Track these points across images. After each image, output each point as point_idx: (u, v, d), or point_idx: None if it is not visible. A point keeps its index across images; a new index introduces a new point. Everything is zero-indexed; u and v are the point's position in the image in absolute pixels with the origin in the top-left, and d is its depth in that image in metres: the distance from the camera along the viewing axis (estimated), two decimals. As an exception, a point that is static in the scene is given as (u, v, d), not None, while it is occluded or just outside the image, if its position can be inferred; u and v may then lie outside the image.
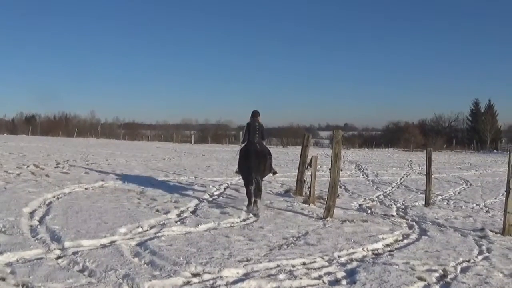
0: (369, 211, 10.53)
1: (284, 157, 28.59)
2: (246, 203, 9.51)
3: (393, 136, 75.68)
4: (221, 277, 5.14)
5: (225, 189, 12.24)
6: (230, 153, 29.98)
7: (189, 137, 68.64)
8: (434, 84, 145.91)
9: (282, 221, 8.52)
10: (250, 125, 10.04)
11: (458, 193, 15.37)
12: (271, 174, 10.65)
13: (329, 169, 9.64)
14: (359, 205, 11.43)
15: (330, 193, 9.18)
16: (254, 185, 9.34)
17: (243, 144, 10.01)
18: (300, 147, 12.31)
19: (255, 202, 9.31)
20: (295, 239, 7.15)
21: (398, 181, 17.88)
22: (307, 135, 12.19)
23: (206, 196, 10.88)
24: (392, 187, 15.67)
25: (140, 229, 7.13)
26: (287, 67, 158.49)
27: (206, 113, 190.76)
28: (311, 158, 11.07)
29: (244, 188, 9.84)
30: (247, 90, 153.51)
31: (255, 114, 10.15)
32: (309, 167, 11.26)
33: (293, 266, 5.72)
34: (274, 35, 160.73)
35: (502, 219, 9.15)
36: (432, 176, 13.17)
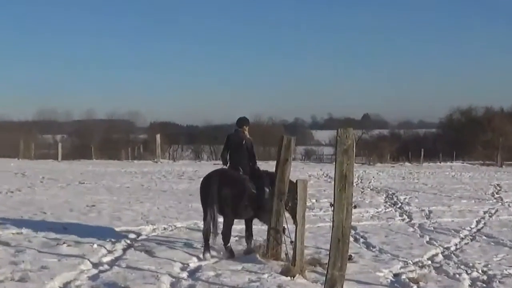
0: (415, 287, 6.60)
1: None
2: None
3: (458, 136, 46.41)
4: None
5: (124, 250, 7.23)
6: (140, 176, 20.62)
7: (53, 146, 41.85)
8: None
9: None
10: (230, 139, 7.59)
11: None
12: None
13: (332, 206, 5.70)
14: (395, 274, 7.01)
15: (335, 253, 6.00)
16: (212, 223, 7.08)
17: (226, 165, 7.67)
18: (274, 163, 7.55)
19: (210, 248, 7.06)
20: None
21: (473, 225, 11.97)
22: (288, 138, 7.16)
23: (83, 267, 6.27)
24: (461, 239, 10.09)
25: None
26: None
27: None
28: (295, 182, 6.75)
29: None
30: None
31: (240, 123, 7.60)
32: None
33: None
34: (253, 42, 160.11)
35: None
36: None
